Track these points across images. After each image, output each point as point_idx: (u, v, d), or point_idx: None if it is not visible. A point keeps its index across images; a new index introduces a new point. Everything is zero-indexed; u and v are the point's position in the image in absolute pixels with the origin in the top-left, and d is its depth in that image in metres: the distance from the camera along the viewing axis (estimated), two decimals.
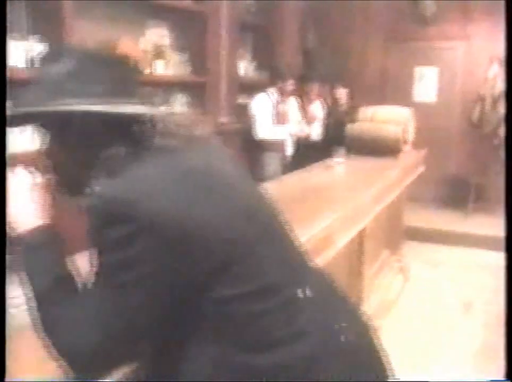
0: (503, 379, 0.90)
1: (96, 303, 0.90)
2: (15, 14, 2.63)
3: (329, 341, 0.98)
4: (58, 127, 1.02)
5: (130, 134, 1.00)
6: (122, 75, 1.04)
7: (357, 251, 2.93)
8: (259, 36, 5.00)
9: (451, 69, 5.71)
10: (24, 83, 2.76)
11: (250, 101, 4.23)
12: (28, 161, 1.13)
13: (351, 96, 4.83)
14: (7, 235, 1.04)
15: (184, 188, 0.94)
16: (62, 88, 0.98)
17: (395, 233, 3.96)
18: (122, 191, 0.90)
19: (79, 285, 0.97)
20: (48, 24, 2.71)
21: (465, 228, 5.01)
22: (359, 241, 2.90)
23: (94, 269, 0.93)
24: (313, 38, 5.76)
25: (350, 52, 5.77)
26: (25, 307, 1.19)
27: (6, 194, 1.04)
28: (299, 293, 1.00)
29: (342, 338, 0.99)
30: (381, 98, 5.32)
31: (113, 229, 0.87)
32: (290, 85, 4.21)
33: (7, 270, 1.27)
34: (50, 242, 1.01)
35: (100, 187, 0.94)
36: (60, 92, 0.98)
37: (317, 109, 4.60)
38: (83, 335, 0.88)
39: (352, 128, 3.88)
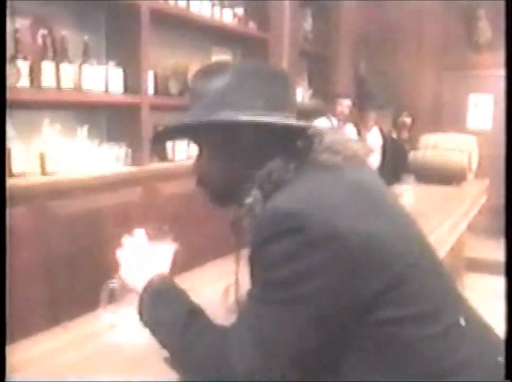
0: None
1: (257, 323, 0.84)
2: (94, 40, 2.66)
3: (493, 374, 0.89)
4: (221, 138, 1.00)
5: (295, 148, 0.97)
6: (280, 89, 1.02)
7: None
8: (315, 64, 4.97)
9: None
10: (98, 105, 2.72)
11: None
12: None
13: (413, 124, 4.74)
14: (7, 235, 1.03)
15: (354, 202, 0.88)
16: (223, 101, 0.96)
17: (457, 263, 3.81)
18: (295, 203, 0.85)
19: None
20: (125, 50, 2.74)
21: None
22: None
23: (256, 286, 0.88)
24: (365, 66, 5.70)
25: (403, 80, 5.68)
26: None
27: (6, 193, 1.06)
28: (461, 320, 0.91)
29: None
30: (434, 126, 5.21)
31: (288, 239, 0.82)
32: (345, 106, 4.17)
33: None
34: (174, 285, 1.02)
35: (269, 199, 0.91)
36: (220, 105, 0.96)
37: (375, 136, 4.51)
38: (240, 358, 0.82)
39: (415, 156, 3.77)
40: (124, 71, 2.71)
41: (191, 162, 3.18)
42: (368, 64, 5.73)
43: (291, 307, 0.83)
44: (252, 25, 3.75)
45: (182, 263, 1.72)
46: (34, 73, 2.29)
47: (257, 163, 0.96)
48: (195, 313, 0.94)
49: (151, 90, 2.87)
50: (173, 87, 3.05)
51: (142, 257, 1.07)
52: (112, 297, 1.19)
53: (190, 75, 3.09)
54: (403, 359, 0.85)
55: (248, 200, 0.95)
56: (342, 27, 5.05)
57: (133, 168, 2.73)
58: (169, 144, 3.04)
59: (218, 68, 1.01)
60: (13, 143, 2.22)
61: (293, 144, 0.97)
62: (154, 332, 0.98)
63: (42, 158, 2.33)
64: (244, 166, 0.98)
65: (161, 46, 3.03)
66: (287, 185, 0.92)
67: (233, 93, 0.97)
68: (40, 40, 2.38)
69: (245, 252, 0.97)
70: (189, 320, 0.92)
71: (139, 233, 1.12)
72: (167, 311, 0.96)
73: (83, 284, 2.25)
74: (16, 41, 2.25)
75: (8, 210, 2.01)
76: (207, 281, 1.57)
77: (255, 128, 0.97)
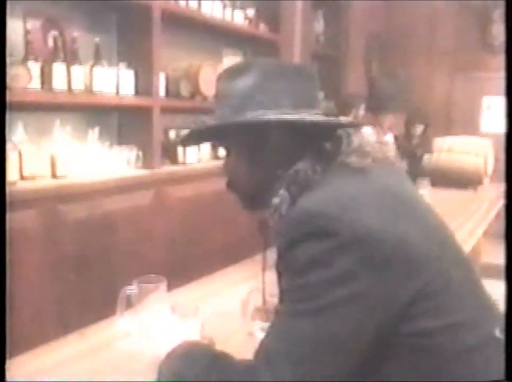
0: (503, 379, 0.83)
1: (288, 338, 0.80)
2: (105, 42, 2.64)
3: None
4: (249, 139, 0.99)
5: (323, 148, 0.95)
6: (306, 86, 1.00)
7: None
8: (326, 66, 4.94)
9: None
10: (109, 107, 2.70)
11: None
12: None
13: (424, 133, 4.69)
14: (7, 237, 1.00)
15: (384, 206, 0.86)
16: (249, 101, 0.95)
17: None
18: (323, 204, 0.83)
19: None
20: (136, 51, 2.72)
21: None
22: None
23: (284, 299, 0.85)
24: (377, 68, 5.66)
25: (415, 82, 5.63)
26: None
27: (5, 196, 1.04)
28: (497, 332, 0.88)
29: None
30: (447, 129, 5.16)
31: (316, 243, 0.79)
32: (361, 112, 4.13)
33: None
34: (195, 343, 0.99)
35: (296, 200, 0.89)
36: (247, 105, 0.95)
37: (389, 140, 4.46)
38: (273, 379, 0.77)
39: (429, 159, 3.73)
40: (135, 73, 2.69)
41: (202, 165, 3.16)
42: (380, 66, 5.69)
43: (323, 317, 0.79)
44: (262, 27, 3.73)
45: (195, 269, 1.70)
46: (45, 75, 2.27)
47: (285, 164, 0.95)
48: (216, 359, 0.90)
49: (162, 93, 2.85)
50: (185, 89, 3.03)
51: (171, 333, 1.04)
52: (129, 304, 1.16)
53: (201, 76, 3.07)
54: (438, 371, 0.82)
55: (275, 200, 0.93)
56: (353, 29, 5.01)
57: (144, 172, 2.71)
58: (180, 147, 3.01)
59: (242, 68, 1.00)
60: (24, 145, 2.20)
61: (321, 145, 0.96)
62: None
63: (52, 161, 2.31)
64: (272, 167, 0.97)
65: (172, 48, 3.01)
66: (314, 186, 0.90)
67: (259, 92, 0.96)
68: (50, 41, 2.36)
69: (272, 256, 0.95)
70: (211, 367, 0.88)
71: (167, 309, 1.10)
72: (189, 367, 0.90)
73: (93, 289, 2.23)
74: (27, 42, 2.24)
75: (18, 213, 2.01)
76: (220, 288, 1.55)
77: (283, 127, 0.95)
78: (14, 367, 1.03)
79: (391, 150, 1.02)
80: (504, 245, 1.33)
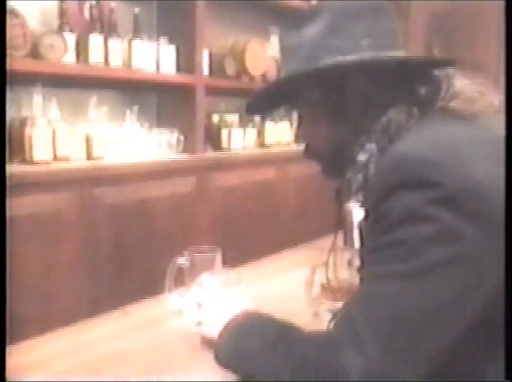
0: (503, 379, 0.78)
1: (372, 306, 0.72)
2: (145, 13, 2.61)
3: None
4: (326, 92, 0.93)
5: (417, 93, 0.89)
6: (385, 24, 0.93)
7: None
8: None
9: None
10: (148, 86, 2.63)
11: None
12: None
13: None
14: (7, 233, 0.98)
15: (494, 158, 0.77)
16: (322, 48, 0.90)
17: None
18: (427, 150, 0.75)
19: None
20: (178, 25, 2.67)
21: None
22: None
23: (368, 261, 0.78)
24: (439, 53, 5.48)
25: (483, 69, 5.43)
26: None
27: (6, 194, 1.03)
28: None
29: None
30: None
31: (415, 193, 0.72)
32: None
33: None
34: (254, 313, 0.94)
35: (385, 151, 0.82)
36: (320, 53, 0.90)
37: None
38: (353, 356, 0.70)
39: None
40: (177, 49, 2.64)
41: (247, 152, 3.09)
42: (442, 51, 5.51)
43: (421, 280, 0.70)
44: (315, 2, 3.64)
45: (239, 261, 1.64)
46: (81, 47, 2.24)
47: (372, 114, 0.89)
48: (284, 329, 0.84)
49: (205, 71, 2.79)
50: (230, 68, 2.97)
51: (222, 303, 0.99)
52: (180, 278, 1.09)
53: (248, 55, 3.00)
54: None
55: (362, 157, 0.88)
56: (414, 7, 4.86)
57: (185, 157, 2.65)
58: (224, 132, 2.95)
59: (309, 13, 0.94)
60: (57, 124, 2.17)
61: (415, 89, 0.89)
62: (240, 367, 0.86)
63: (88, 142, 2.28)
64: (357, 120, 0.91)
65: (216, 23, 2.95)
66: (411, 132, 0.83)
67: (332, 36, 0.90)
68: (87, 12, 2.33)
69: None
70: (278, 337, 0.82)
71: (214, 280, 1.06)
72: (250, 337, 0.85)
73: (128, 278, 2.20)
74: (62, 12, 2.22)
75: (51, 195, 1.98)
76: (272, 272, 1.50)
77: (366, 71, 0.89)
78: (49, 343, 1.03)
79: (496, 97, 0.91)
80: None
